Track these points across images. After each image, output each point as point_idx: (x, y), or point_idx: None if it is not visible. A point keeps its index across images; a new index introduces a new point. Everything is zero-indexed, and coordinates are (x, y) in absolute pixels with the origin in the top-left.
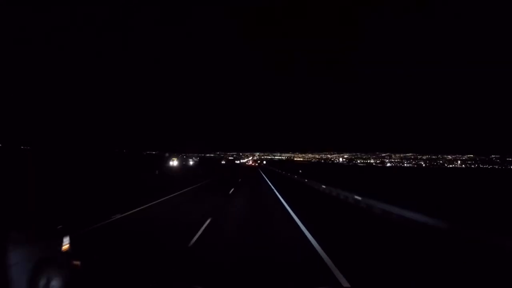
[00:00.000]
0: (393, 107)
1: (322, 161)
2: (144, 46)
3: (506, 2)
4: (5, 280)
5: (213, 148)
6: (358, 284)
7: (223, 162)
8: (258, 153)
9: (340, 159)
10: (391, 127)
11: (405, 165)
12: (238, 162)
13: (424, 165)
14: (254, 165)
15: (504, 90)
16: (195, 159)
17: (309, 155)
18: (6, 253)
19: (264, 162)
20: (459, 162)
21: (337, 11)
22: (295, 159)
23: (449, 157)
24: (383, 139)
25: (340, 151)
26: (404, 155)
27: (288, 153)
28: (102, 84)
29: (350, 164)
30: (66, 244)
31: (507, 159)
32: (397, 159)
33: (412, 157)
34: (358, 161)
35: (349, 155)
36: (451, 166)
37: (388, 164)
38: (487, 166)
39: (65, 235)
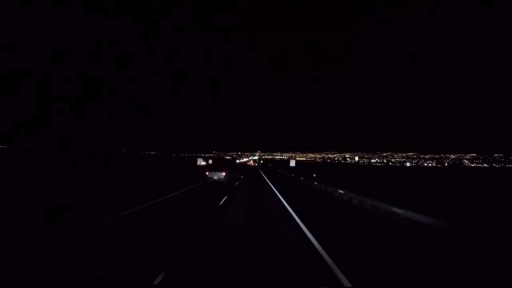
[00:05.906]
0: (394, 106)
1: (328, 161)
2: (144, 45)
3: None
4: (230, 174)
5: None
6: (360, 284)
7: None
8: (258, 153)
9: (356, 158)
10: (392, 126)
11: (426, 164)
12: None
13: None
14: (254, 165)
15: (506, 88)
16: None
17: (310, 155)
18: (227, 169)
19: (294, 162)
20: (465, 161)
21: (340, 8)
22: (297, 159)
23: (452, 156)
24: (384, 138)
25: (342, 150)
26: (406, 154)
27: (289, 153)
28: (102, 84)
29: (365, 164)
30: (227, 171)
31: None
32: (399, 158)
33: (415, 156)
34: (373, 161)
35: (350, 155)
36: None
37: (408, 164)
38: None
39: (226, 169)
